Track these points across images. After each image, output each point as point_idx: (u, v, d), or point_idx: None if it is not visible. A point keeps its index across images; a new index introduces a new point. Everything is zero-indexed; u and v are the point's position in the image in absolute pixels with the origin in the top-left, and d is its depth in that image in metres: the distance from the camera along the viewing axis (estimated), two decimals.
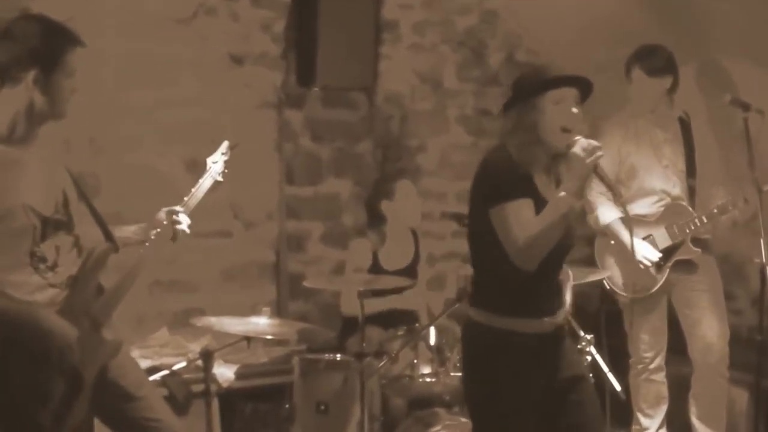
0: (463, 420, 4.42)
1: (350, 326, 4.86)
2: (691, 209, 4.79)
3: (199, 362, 4.08)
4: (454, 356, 4.48)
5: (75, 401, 3.16)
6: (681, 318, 4.91)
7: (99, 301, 3.27)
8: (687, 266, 4.81)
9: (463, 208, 5.86)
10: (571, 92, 3.19)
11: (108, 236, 3.34)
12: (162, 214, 3.53)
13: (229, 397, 4.85)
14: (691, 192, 4.84)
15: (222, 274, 5.61)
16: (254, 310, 4.19)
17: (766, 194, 4.45)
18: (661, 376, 4.96)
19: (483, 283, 3.32)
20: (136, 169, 5.25)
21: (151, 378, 4.23)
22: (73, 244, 3.27)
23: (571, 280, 3.48)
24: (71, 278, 3.23)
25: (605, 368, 4.32)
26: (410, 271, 5.20)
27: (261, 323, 4.10)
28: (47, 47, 3.12)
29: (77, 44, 3.18)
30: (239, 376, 4.89)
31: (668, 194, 4.82)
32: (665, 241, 4.79)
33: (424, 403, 4.62)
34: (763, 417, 4.72)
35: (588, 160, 3.05)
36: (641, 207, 4.81)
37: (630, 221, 3.69)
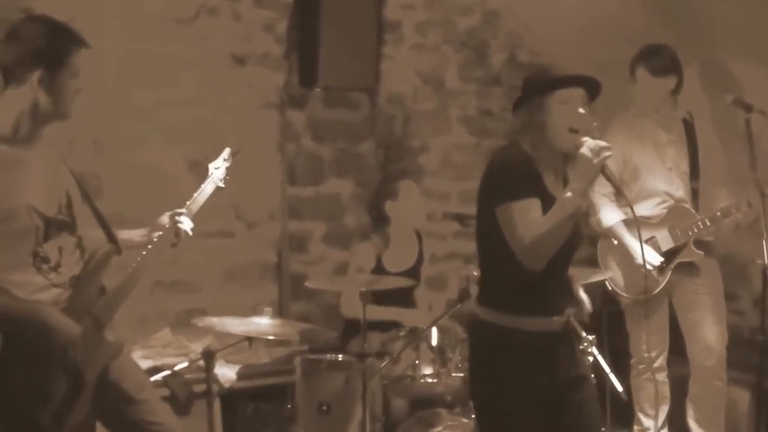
0: (465, 420, 4.43)
1: (352, 327, 4.86)
2: (694, 211, 4.79)
3: (201, 362, 4.09)
4: (456, 357, 4.48)
5: (76, 401, 3.16)
6: (681, 320, 4.91)
7: (101, 301, 3.27)
8: (689, 268, 4.81)
9: (466, 209, 5.96)
10: (578, 92, 3.18)
11: (111, 238, 3.35)
12: (165, 218, 3.54)
13: (231, 398, 4.85)
14: (695, 194, 4.84)
15: (224, 274, 5.61)
16: (256, 311, 4.18)
17: None
18: (662, 377, 4.96)
19: (490, 281, 3.33)
20: (139, 169, 5.25)
21: (153, 378, 4.24)
22: (76, 245, 3.27)
23: (578, 279, 3.49)
24: (74, 278, 3.24)
25: (607, 368, 4.33)
26: (414, 273, 5.20)
27: (263, 323, 4.10)
28: (52, 48, 3.13)
29: (82, 45, 3.19)
30: (241, 376, 4.89)
31: (671, 196, 4.82)
32: (668, 244, 4.79)
33: (425, 403, 4.63)
34: (765, 418, 4.71)
35: (595, 161, 3.04)
36: (644, 209, 4.80)
37: (638, 223, 3.69)
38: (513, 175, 3.15)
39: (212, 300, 5.45)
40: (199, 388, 4.52)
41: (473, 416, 4.33)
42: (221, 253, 5.53)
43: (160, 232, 3.51)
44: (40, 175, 3.19)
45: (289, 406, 4.60)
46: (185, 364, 4.48)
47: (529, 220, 3.08)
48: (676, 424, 5.00)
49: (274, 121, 5.74)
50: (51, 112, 3.17)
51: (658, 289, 4.78)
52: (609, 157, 3.06)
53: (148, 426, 3.38)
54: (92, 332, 3.21)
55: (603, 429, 4.26)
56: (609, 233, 4.83)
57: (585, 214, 3.36)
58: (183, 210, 3.57)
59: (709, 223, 4.71)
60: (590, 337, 4.13)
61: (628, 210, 4.79)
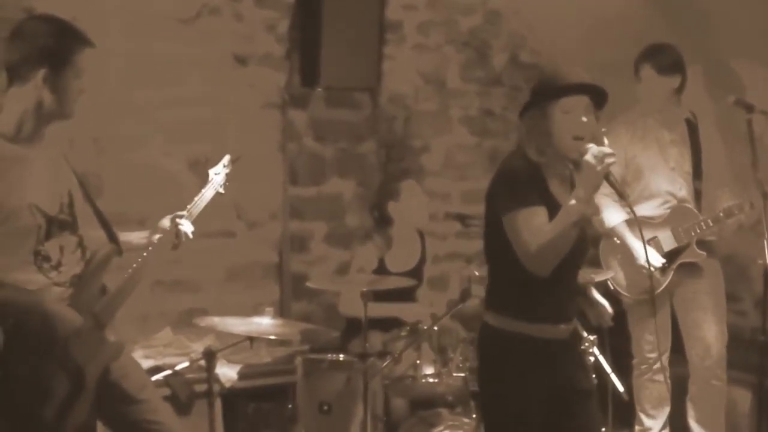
0: (466, 420, 4.43)
1: (353, 327, 4.86)
2: (696, 212, 4.78)
3: (202, 362, 4.08)
4: (457, 357, 4.48)
5: (77, 400, 3.16)
6: (680, 320, 4.92)
7: (102, 301, 3.28)
8: (691, 269, 4.81)
9: (467, 209, 5.98)
10: (581, 101, 3.18)
11: (112, 238, 3.35)
12: (166, 221, 3.54)
13: (232, 397, 4.85)
14: (697, 194, 4.83)
15: (225, 274, 5.61)
16: (257, 311, 4.18)
17: None
18: (665, 377, 4.95)
19: (497, 286, 3.34)
20: (140, 169, 5.25)
21: (154, 378, 4.24)
22: (77, 244, 3.27)
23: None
24: (75, 277, 3.24)
25: (608, 369, 4.32)
26: (416, 273, 5.19)
27: (264, 323, 4.10)
28: (58, 46, 3.14)
29: (87, 44, 3.20)
30: (242, 376, 4.89)
31: (674, 196, 4.82)
32: (670, 244, 4.78)
33: (426, 403, 4.62)
34: (766, 418, 4.71)
35: (599, 168, 3.04)
36: (647, 209, 4.80)
37: (639, 225, 3.69)
38: (518, 183, 3.17)
39: (213, 300, 5.46)
40: (200, 387, 4.52)
41: (474, 416, 4.35)
42: (222, 253, 5.53)
43: (161, 235, 3.51)
44: (43, 174, 3.20)
45: (290, 406, 4.60)
46: (186, 364, 4.48)
47: (534, 228, 3.09)
48: (677, 424, 4.99)
49: (276, 121, 5.75)
50: (55, 111, 3.17)
51: (660, 290, 4.77)
52: (613, 163, 3.06)
53: (148, 425, 3.38)
54: (93, 331, 3.21)
55: (603, 429, 4.26)
56: (611, 233, 4.83)
57: (590, 220, 3.35)
58: (184, 213, 3.57)
59: (711, 224, 4.71)
60: (591, 338, 4.13)
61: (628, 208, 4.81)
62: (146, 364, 4.55)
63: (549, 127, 3.19)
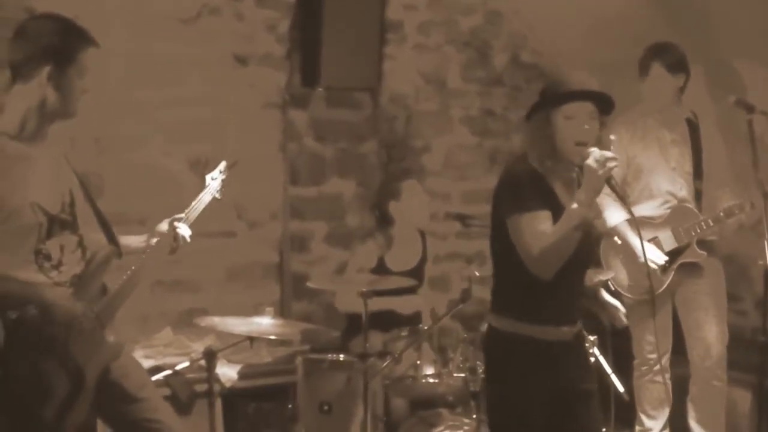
0: (466, 420, 4.43)
1: (353, 326, 4.86)
2: (697, 212, 4.78)
3: (203, 362, 4.09)
4: (457, 357, 4.48)
5: (77, 399, 3.16)
6: (682, 320, 4.91)
7: (102, 302, 3.28)
8: (692, 269, 4.80)
9: (467, 209, 5.98)
10: (584, 107, 3.21)
11: (111, 239, 3.35)
12: (164, 225, 3.54)
13: (232, 397, 4.85)
14: (698, 194, 4.83)
15: (226, 274, 5.61)
16: (258, 310, 4.18)
17: None
18: (665, 378, 4.95)
19: (502, 289, 3.38)
20: (140, 169, 5.26)
21: (154, 378, 4.23)
22: (77, 244, 3.27)
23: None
24: (75, 277, 3.24)
25: (608, 370, 4.32)
26: (417, 273, 5.19)
27: (264, 323, 4.10)
28: (62, 44, 3.14)
29: (91, 44, 3.20)
30: (242, 376, 4.89)
31: (675, 196, 4.81)
32: (671, 244, 4.78)
33: (427, 403, 4.63)
34: (766, 418, 4.71)
35: (600, 172, 3.06)
36: (647, 209, 4.80)
37: (638, 226, 3.69)
38: (522, 188, 3.21)
39: (214, 300, 5.46)
40: (201, 387, 4.52)
41: (474, 416, 4.35)
42: (223, 253, 5.53)
43: (158, 239, 3.52)
44: (45, 173, 3.20)
45: (290, 405, 4.60)
46: (187, 364, 4.48)
47: (537, 232, 3.13)
48: (677, 424, 4.99)
49: (276, 120, 5.75)
50: (58, 109, 3.18)
51: (661, 290, 4.77)
52: (615, 167, 3.07)
53: (148, 424, 3.39)
54: (93, 331, 3.21)
55: (604, 430, 4.27)
56: (612, 233, 4.82)
57: (592, 223, 3.38)
58: (182, 215, 3.58)
59: (712, 224, 4.71)
60: (591, 338, 4.13)
61: (632, 209, 4.80)
62: (147, 363, 4.55)
63: (552, 132, 3.23)
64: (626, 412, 4.89)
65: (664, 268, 4.75)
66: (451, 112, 6.42)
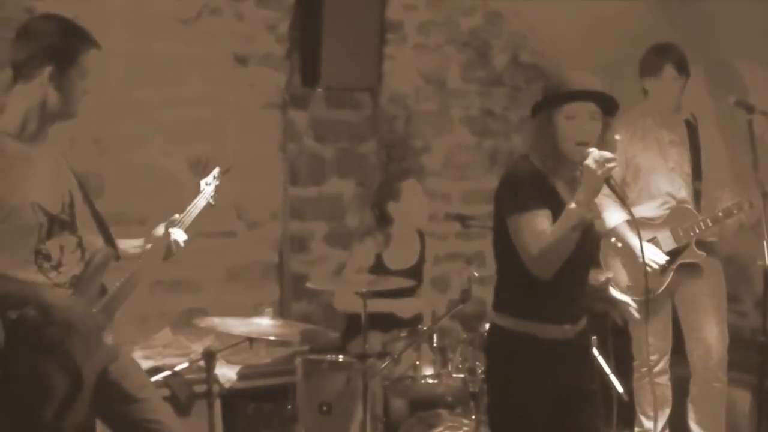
0: (465, 421, 4.43)
1: (353, 327, 4.86)
2: (696, 212, 4.78)
3: (202, 363, 4.09)
4: (457, 357, 4.48)
5: (76, 399, 3.16)
6: (682, 321, 4.91)
7: (100, 303, 3.28)
8: (691, 269, 4.80)
9: (467, 209, 5.98)
10: (586, 107, 3.21)
11: (109, 241, 3.35)
12: (160, 229, 3.54)
13: (232, 398, 4.85)
14: (697, 195, 4.83)
15: (225, 274, 5.61)
16: (257, 311, 4.18)
17: None
18: (665, 379, 4.95)
19: (504, 287, 3.40)
20: (140, 169, 5.26)
21: (154, 378, 4.24)
22: (77, 244, 3.28)
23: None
24: (75, 278, 3.24)
25: (608, 370, 4.32)
26: (415, 272, 5.19)
27: (264, 324, 4.10)
28: (64, 45, 3.14)
29: (93, 45, 3.21)
30: (242, 376, 4.89)
31: (673, 197, 4.81)
32: (670, 244, 4.78)
33: (426, 404, 4.63)
34: (766, 418, 4.70)
35: (599, 172, 3.07)
36: (646, 209, 4.79)
37: (637, 227, 3.69)
38: (522, 187, 3.22)
39: (213, 300, 5.46)
40: (200, 388, 4.52)
41: (473, 417, 4.35)
42: (222, 253, 5.53)
43: (152, 243, 3.52)
44: (46, 173, 3.20)
45: (289, 406, 4.59)
46: (186, 365, 4.49)
47: (536, 232, 3.14)
48: (677, 425, 4.99)
49: (276, 121, 5.75)
50: (59, 110, 3.18)
51: (661, 290, 4.77)
52: (613, 168, 3.08)
53: (148, 424, 3.39)
54: (92, 332, 3.22)
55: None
56: (612, 234, 4.82)
57: (593, 223, 3.39)
58: (176, 216, 3.58)
59: (710, 224, 4.70)
60: (592, 338, 4.12)
61: (632, 210, 4.79)
62: (146, 364, 4.55)
63: (553, 132, 3.24)
64: (626, 412, 4.89)
65: (663, 269, 4.75)
66: (451, 112, 6.41)
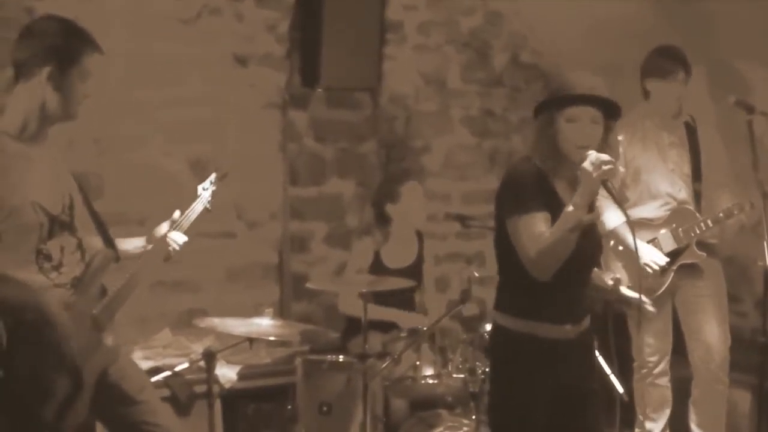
0: (465, 421, 4.43)
1: (353, 327, 4.86)
2: (697, 213, 4.78)
3: (202, 363, 4.09)
4: (457, 358, 4.48)
5: (76, 399, 3.16)
6: (683, 322, 4.90)
7: (101, 304, 3.28)
8: (692, 270, 4.80)
9: (467, 209, 5.98)
10: (586, 111, 3.21)
11: (109, 243, 3.35)
12: (163, 228, 3.55)
13: (232, 398, 4.85)
14: (697, 196, 4.82)
15: (225, 274, 5.61)
16: (257, 311, 4.18)
17: None
18: (665, 381, 4.94)
19: (505, 287, 3.41)
20: (140, 169, 5.26)
21: (154, 379, 4.24)
22: (77, 246, 3.28)
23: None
24: (75, 279, 3.24)
25: (608, 370, 4.32)
26: (413, 271, 5.19)
27: (264, 324, 4.10)
28: (65, 45, 3.14)
29: (95, 49, 3.20)
30: (242, 376, 4.89)
31: (674, 198, 4.81)
32: (670, 245, 4.77)
33: (426, 404, 4.63)
34: (766, 419, 4.71)
35: (595, 174, 3.07)
36: (647, 210, 4.80)
37: (633, 229, 3.70)
38: (522, 189, 3.24)
39: (213, 300, 5.46)
40: (200, 388, 4.52)
41: (473, 417, 4.35)
42: (222, 254, 5.53)
43: (153, 244, 3.53)
44: (46, 173, 3.21)
45: (289, 406, 4.59)
46: (186, 365, 4.49)
47: (534, 234, 3.15)
48: (678, 426, 4.98)
49: (276, 121, 5.74)
50: (58, 111, 3.17)
51: (661, 291, 4.76)
52: (610, 170, 3.08)
53: (147, 427, 3.38)
54: (91, 333, 3.22)
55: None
56: (611, 236, 4.82)
57: (595, 223, 3.39)
58: (178, 214, 3.58)
59: (711, 225, 4.70)
60: (593, 338, 4.13)
61: (630, 211, 4.78)
62: (146, 365, 4.56)
63: (554, 134, 3.25)
64: (626, 413, 4.88)
65: (663, 270, 4.74)
66: (451, 112, 6.41)
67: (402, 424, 4.62)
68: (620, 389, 4.35)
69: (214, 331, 4.45)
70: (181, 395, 4.58)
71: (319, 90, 5.76)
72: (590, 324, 3.46)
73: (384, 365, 4.45)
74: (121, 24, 5.14)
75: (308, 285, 4.75)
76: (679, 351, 4.98)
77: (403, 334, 4.79)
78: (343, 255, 5.79)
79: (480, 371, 4.35)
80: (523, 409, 3.30)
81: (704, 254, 4.77)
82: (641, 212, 4.79)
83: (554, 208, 3.19)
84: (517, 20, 6.45)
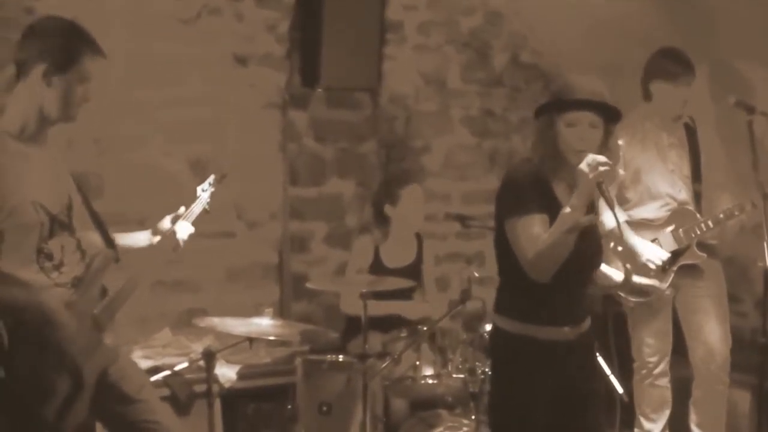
0: (465, 421, 4.43)
1: (353, 327, 4.86)
2: (697, 214, 4.78)
3: (202, 362, 4.09)
4: (457, 358, 4.49)
5: (76, 399, 3.16)
6: (683, 323, 4.90)
7: (101, 304, 3.28)
8: (692, 271, 4.79)
9: (467, 209, 5.98)
10: (585, 116, 3.22)
11: (109, 243, 3.36)
12: (166, 222, 3.55)
13: (231, 398, 4.85)
14: (697, 197, 4.82)
15: (225, 274, 5.61)
16: (257, 311, 4.18)
17: None
18: (665, 381, 4.94)
19: (505, 289, 3.42)
20: (140, 169, 5.26)
21: (153, 378, 4.24)
22: (76, 245, 3.28)
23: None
24: (76, 279, 3.25)
25: (607, 371, 4.32)
26: (412, 271, 5.19)
27: (264, 324, 4.10)
28: (65, 44, 3.14)
29: (96, 52, 3.20)
30: (241, 376, 4.89)
31: (674, 198, 4.81)
32: (671, 246, 4.77)
33: (426, 404, 4.63)
34: (766, 419, 4.71)
35: (591, 175, 3.08)
36: (647, 211, 4.80)
37: (621, 230, 3.69)
38: (520, 191, 3.25)
39: (213, 300, 5.46)
40: (200, 388, 4.52)
41: (473, 417, 4.35)
42: (222, 254, 5.53)
43: (160, 237, 3.54)
44: (46, 173, 3.21)
45: (289, 406, 4.59)
46: (186, 364, 4.48)
47: (532, 236, 3.16)
48: (678, 426, 4.98)
49: (276, 121, 5.74)
50: (56, 114, 3.17)
51: (660, 292, 4.76)
52: (606, 172, 3.08)
53: (146, 425, 3.39)
54: (92, 333, 3.22)
55: None
56: (611, 236, 4.81)
57: (595, 224, 3.39)
58: (182, 210, 3.59)
59: (711, 225, 4.70)
60: (594, 340, 4.13)
61: (631, 212, 4.80)
62: (145, 364, 4.56)
63: (554, 136, 3.26)
64: (625, 413, 4.89)
65: (663, 269, 4.74)
66: (451, 112, 6.41)
67: (402, 424, 4.62)
68: (620, 390, 4.35)
69: (214, 331, 4.46)
70: (181, 395, 4.58)
71: (319, 90, 5.76)
72: (590, 325, 3.46)
73: (384, 365, 4.45)
74: (121, 24, 5.14)
75: (308, 285, 4.76)
76: (679, 351, 4.98)
77: (403, 334, 4.80)
78: (343, 255, 5.79)
79: (480, 371, 4.35)
80: (523, 409, 3.31)
81: (704, 255, 4.77)
82: (642, 213, 4.79)
83: (553, 210, 3.20)
84: (517, 20, 6.45)
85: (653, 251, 4.70)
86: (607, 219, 4.78)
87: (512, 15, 6.44)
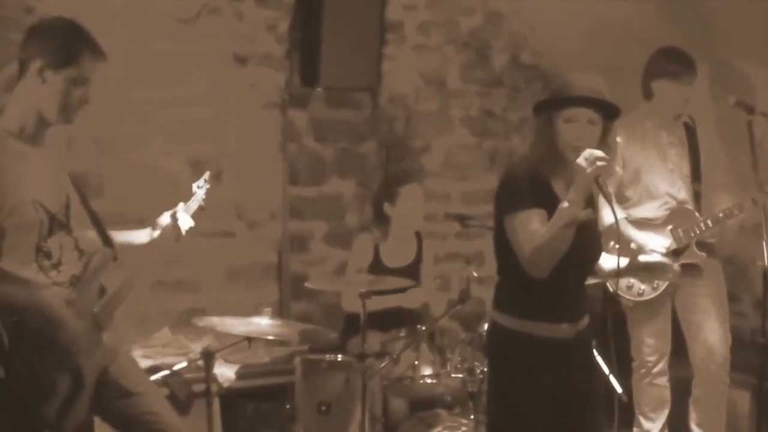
0: (464, 421, 4.43)
1: (352, 327, 4.86)
2: (696, 213, 4.78)
3: (201, 362, 4.09)
4: (456, 357, 4.49)
5: (77, 399, 3.17)
6: (683, 322, 4.90)
7: (100, 302, 3.29)
8: (691, 270, 4.78)
9: (467, 209, 5.98)
10: (584, 112, 3.23)
11: (107, 242, 3.36)
12: (165, 218, 3.56)
13: (230, 397, 4.84)
14: (696, 196, 4.83)
15: (225, 274, 5.61)
16: (256, 311, 4.19)
17: None
18: (664, 380, 4.94)
19: (503, 286, 3.43)
20: (140, 169, 5.26)
21: (153, 377, 4.24)
22: (74, 245, 3.29)
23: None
24: (74, 278, 3.25)
25: (607, 371, 4.32)
26: (412, 270, 5.20)
27: (263, 324, 4.10)
28: (65, 44, 3.14)
29: (96, 54, 3.20)
30: (240, 376, 4.89)
31: (674, 198, 4.81)
32: (670, 245, 4.77)
33: (425, 404, 4.64)
34: (766, 419, 4.70)
35: (588, 170, 3.08)
36: (647, 210, 4.80)
37: (618, 231, 3.68)
38: (518, 188, 3.25)
39: (213, 300, 5.46)
40: (199, 387, 4.51)
41: (472, 417, 4.36)
42: (222, 253, 5.54)
43: (161, 231, 3.55)
44: (45, 172, 3.22)
45: (288, 406, 4.59)
46: (185, 364, 4.48)
47: (529, 231, 3.17)
48: (677, 426, 4.98)
49: (276, 120, 5.75)
50: (53, 115, 3.17)
51: (659, 292, 4.76)
52: (603, 167, 3.08)
53: (145, 417, 3.39)
54: (91, 332, 3.23)
55: None
56: (609, 233, 4.81)
57: (595, 220, 3.39)
58: (181, 206, 3.61)
59: (711, 225, 4.70)
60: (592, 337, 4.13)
61: (630, 210, 4.80)
62: (145, 363, 4.55)
63: (552, 133, 3.26)
64: (625, 413, 4.88)
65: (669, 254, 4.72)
66: (451, 112, 6.41)
67: (401, 424, 4.62)
68: (619, 389, 4.35)
69: (213, 331, 4.46)
70: (180, 394, 4.58)
71: (319, 90, 5.77)
72: (589, 323, 3.46)
73: (383, 365, 4.45)
74: (121, 24, 5.14)
75: (307, 285, 4.75)
76: (679, 351, 4.98)
77: (402, 334, 4.80)
78: (342, 255, 5.79)
79: (479, 371, 4.36)
80: (521, 407, 3.30)
81: (704, 254, 4.77)
82: (641, 212, 4.79)
83: (552, 206, 3.19)
84: (517, 20, 6.45)
85: (656, 240, 4.69)
86: (606, 215, 4.80)
87: (512, 15, 6.44)
